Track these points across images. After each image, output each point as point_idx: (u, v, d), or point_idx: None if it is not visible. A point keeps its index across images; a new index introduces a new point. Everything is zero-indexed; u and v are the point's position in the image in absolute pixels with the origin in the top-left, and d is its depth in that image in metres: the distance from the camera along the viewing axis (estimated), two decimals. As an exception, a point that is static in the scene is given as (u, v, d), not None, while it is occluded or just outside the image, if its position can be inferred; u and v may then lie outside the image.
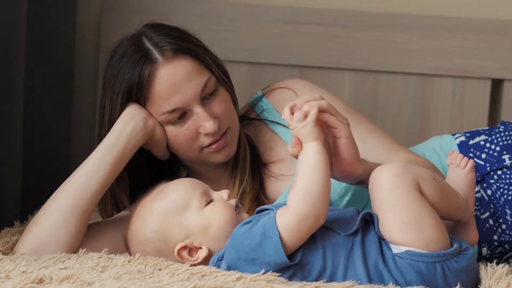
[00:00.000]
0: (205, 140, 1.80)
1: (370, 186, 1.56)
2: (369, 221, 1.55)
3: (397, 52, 2.53)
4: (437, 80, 2.55)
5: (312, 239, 1.51)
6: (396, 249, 1.51)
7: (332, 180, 1.81)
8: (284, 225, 1.48)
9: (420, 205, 1.51)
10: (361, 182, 1.65)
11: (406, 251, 1.49)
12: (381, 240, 1.53)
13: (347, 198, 1.84)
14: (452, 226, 1.64)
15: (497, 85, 2.56)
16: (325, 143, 1.57)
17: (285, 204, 1.73)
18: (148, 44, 1.78)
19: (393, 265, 1.50)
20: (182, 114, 1.78)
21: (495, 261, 1.62)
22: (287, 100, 1.93)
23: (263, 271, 1.48)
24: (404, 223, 1.50)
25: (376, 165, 1.62)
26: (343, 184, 1.82)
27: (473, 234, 1.63)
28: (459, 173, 1.64)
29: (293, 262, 1.49)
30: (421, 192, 1.53)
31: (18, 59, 2.02)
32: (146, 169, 1.87)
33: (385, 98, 2.55)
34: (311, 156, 1.51)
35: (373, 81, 2.55)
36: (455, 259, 1.51)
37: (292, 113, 1.55)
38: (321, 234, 1.52)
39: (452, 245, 1.53)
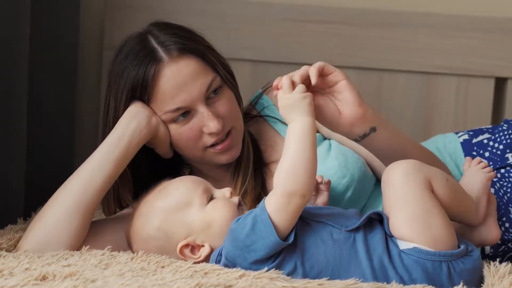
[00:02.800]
0: (209, 140, 1.80)
1: (382, 181, 1.57)
2: (374, 220, 1.55)
3: (401, 50, 2.53)
4: (441, 78, 2.55)
5: (311, 233, 1.52)
6: (403, 245, 1.51)
7: (334, 176, 1.83)
8: (272, 206, 1.49)
9: (430, 203, 1.52)
10: (372, 129, 1.66)
11: (414, 247, 1.50)
12: (387, 238, 1.53)
13: (348, 194, 1.83)
14: (470, 228, 1.65)
15: (500, 83, 2.56)
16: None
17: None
18: (154, 43, 1.78)
19: (399, 262, 1.50)
20: (185, 113, 1.78)
21: (498, 259, 1.62)
22: None
23: (266, 268, 1.48)
24: (413, 219, 1.51)
25: (377, 112, 1.66)
26: (345, 181, 1.83)
27: (494, 231, 1.64)
28: (476, 173, 1.66)
29: (287, 242, 1.49)
30: (432, 191, 1.54)
31: (22, 57, 2.02)
32: (149, 167, 1.87)
33: (388, 97, 2.56)
34: (302, 132, 1.51)
35: (377, 79, 2.55)
36: (461, 260, 1.51)
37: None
38: (320, 229, 1.53)
39: (459, 246, 1.53)
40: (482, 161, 1.71)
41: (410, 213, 1.51)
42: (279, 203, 1.49)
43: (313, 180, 1.51)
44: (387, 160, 1.74)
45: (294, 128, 1.52)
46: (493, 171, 1.95)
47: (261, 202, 1.52)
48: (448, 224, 1.52)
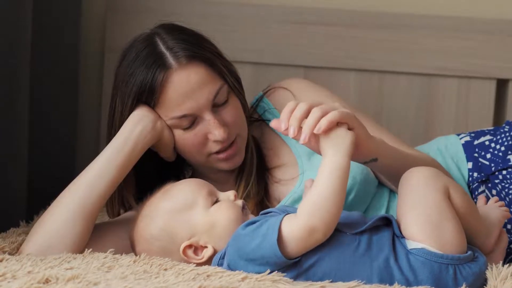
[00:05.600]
0: (214, 147, 1.80)
1: (400, 183, 1.58)
2: (379, 225, 1.55)
3: (402, 52, 2.53)
4: (442, 80, 2.55)
5: None
6: (412, 245, 1.51)
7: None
8: (290, 233, 1.48)
9: (445, 207, 1.53)
10: (373, 160, 1.65)
11: (422, 248, 1.50)
12: (395, 239, 1.53)
13: (351, 197, 1.83)
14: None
15: (502, 85, 2.56)
16: None
17: (288, 206, 1.73)
18: (163, 48, 1.77)
19: (406, 263, 1.50)
20: (191, 120, 1.77)
21: (500, 261, 1.63)
22: (288, 101, 1.93)
23: (268, 271, 1.48)
24: (426, 220, 1.52)
25: (381, 140, 1.64)
26: (347, 184, 1.82)
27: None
28: (494, 209, 1.70)
29: (292, 260, 1.48)
30: (449, 199, 1.55)
31: (23, 59, 2.02)
32: (152, 169, 1.87)
33: (390, 98, 2.55)
34: (336, 171, 1.49)
35: (378, 81, 2.55)
36: (468, 264, 1.52)
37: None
38: None
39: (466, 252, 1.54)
40: (499, 201, 1.75)
41: (424, 214, 1.52)
42: (298, 235, 1.48)
43: (336, 221, 1.50)
44: (390, 180, 1.74)
45: (329, 165, 1.50)
46: (495, 172, 1.96)
47: (278, 220, 1.49)
48: (460, 231, 1.53)
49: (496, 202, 1.75)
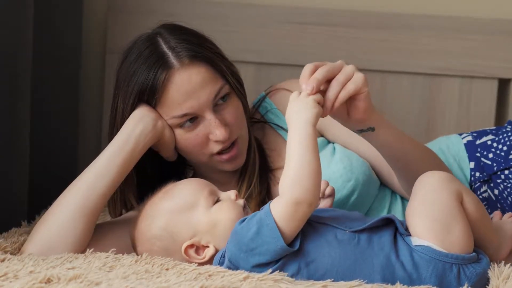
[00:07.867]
0: (215, 147, 1.80)
1: (415, 185, 1.58)
2: (379, 225, 1.55)
3: (404, 52, 2.53)
4: (444, 80, 2.55)
5: (315, 235, 1.52)
6: (417, 242, 1.51)
7: (339, 180, 1.82)
8: (278, 214, 1.48)
9: (456, 210, 1.53)
10: (370, 129, 1.65)
11: (427, 246, 1.50)
12: (397, 237, 1.53)
13: (353, 198, 1.83)
14: None
15: (504, 84, 2.56)
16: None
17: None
18: (165, 48, 1.77)
19: (409, 260, 1.50)
20: (192, 119, 1.77)
21: (503, 261, 1.62)
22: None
23: (270, 270, 1.48)
24: (435, 219, 1.52)
25: (380, 115, 1.65)
26: (350, 184, 1.83)
27: None
28: (508, 224, 1.69)
29: (292, 248, 1.49)
30: (461, 204, 1.55)
31: (25, 60, 2.02)
32: (153, 169, 1.87)
33: (392, 98, 2.56)
34: (305, 139, 1.50)
35: (380, 81, 2.55)
36: (472, 265, 1.52)
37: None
38: (324, 230, 1.53)
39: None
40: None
41: (434, 213, 1.52)
42: (286, 211, 1.48)
43: (319, 188, 1.51)
44: (388, 160, 1.73)
45: (297, 134, 1.51)
46: (497, 172, 1.96)
47: (266, 206, 1.51)
48: (469, 234, 1.53)
49: (510, 217, 1.75)
